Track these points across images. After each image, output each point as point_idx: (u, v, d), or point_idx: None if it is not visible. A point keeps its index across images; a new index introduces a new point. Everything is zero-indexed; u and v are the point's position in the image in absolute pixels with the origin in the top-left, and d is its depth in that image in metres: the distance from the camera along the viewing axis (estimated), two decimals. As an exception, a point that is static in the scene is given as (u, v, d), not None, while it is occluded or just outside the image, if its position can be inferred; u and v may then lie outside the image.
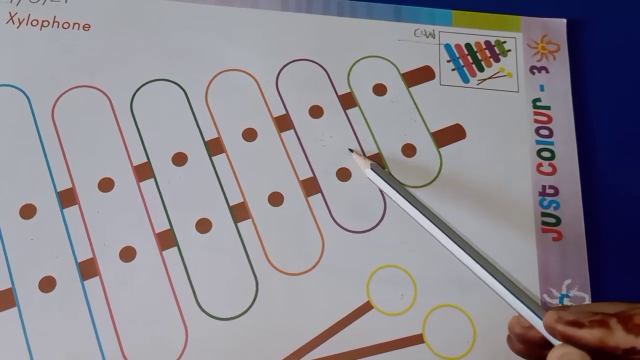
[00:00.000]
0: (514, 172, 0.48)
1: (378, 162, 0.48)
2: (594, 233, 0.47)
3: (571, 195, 0.47)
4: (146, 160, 0.47)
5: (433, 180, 0.48)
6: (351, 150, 0.47)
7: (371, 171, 0.45)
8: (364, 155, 0.48)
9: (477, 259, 0.40)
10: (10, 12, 0.51)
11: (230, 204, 0.46)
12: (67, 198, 0.45)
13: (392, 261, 0.45)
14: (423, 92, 0.51)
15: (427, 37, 0.52)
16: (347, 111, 0.50)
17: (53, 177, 0.46)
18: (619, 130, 0.51)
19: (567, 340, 0.33)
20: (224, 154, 0.48)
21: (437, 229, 0.41)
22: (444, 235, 0.41)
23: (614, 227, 0.47)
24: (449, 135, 0.49)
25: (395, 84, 0.51)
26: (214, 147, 0.48)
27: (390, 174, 0.47)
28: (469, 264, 0.40)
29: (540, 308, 0.37)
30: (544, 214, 0.47)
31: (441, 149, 0.49)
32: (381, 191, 0.47)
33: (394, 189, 0.44)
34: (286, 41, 0.52)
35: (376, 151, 0.48)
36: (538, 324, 0.37)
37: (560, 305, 0.39)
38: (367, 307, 0.44)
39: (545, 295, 0.44)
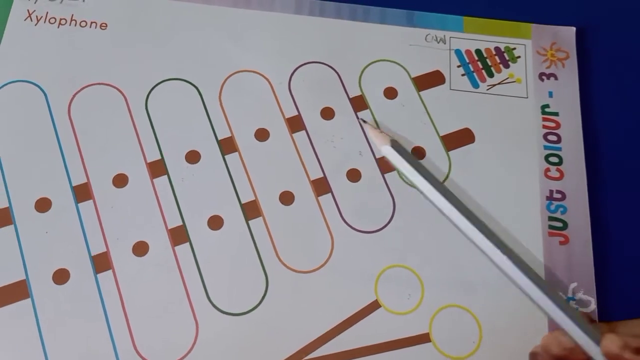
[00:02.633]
0: (522, 176, 0.49)
1: (388, 164, 0.48)
2: (601, 237, 0.47)
3: (578, 200, 0.48)
4: (160, 158, 0.48)
5: (442, 183, 0.48)
6: (364, 121, 0.47)
7: (390, 149, 0.44)
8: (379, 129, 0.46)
9: (511, 257, 0.37)
10: (28, 10, 0.52)
11: (242, 202, 0.47)
12: (82, 193, 0.46)
13: (400, 261, 0.46)
14: (433, 96, 0.51)
15: (438, 43, 0.53)
16: (358, 113, 0.50)
17: (68, 172, 0.47)
18: (626, 136, 0.51)
19: None
20: (237, 153, 0.48)
21: (464, 219, 0.40)
22: (473, 227, 0.40)
23: (620, 231, 0.48)
24: (458, 139, 0.50)
25: (406, 87, 0.52)
26: (227, 146, 0.48)
27: (411, 154, 0.46)
28: (499, 262, 0.38)
29: (594, 330, 0.32)
30: (551, 218, 0.47)
31: (450, 152, 0.49)
32: (391, 194, 0.47)
33: (415, 169, 0.42)
34: (299, 44, 0.53)
35: (386, 153, 0.49)
36: (594, 351, 0.32)
37: (606, 322, 0.35)
38: (374, 306, 0.44)
39: (551, 298, 0.45)
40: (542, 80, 0.52)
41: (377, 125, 0.46)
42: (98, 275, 0.44)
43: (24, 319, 0.42)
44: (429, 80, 0.52)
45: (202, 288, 0.44)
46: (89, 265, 0.44)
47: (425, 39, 0.53)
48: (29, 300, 0.43)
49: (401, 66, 0.52)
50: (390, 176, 0.48)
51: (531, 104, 0.51)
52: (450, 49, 0.53)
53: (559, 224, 0.47)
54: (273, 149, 0.49)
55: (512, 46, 0.54)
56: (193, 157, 0.48)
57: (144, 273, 0.44)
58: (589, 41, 0.55)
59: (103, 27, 0.52)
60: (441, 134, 0.50)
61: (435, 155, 0.49)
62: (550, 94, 0.52)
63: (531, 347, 0.43)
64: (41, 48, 0.51)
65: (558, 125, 0.51)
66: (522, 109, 0.51)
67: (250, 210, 0.46)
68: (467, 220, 0.40)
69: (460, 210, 0.40)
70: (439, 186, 0.41)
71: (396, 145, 0.44)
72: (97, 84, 0.50)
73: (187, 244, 0.45)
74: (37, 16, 0.52)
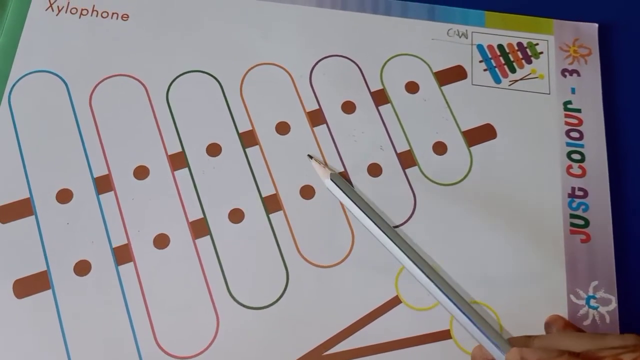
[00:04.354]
0: (544, 173, 0.48)
1: (409, 159, 0.48)
2: (622, 236, 0.47)
3: (600, 198, 0.48)
4: (181, 150, 0.48)
5: (463, 179, 0.48)
6: (310, 157, 0.47)
7: (330, 181, 0.45)
8: (325, 163, 0.48)
9: (440, 285, 0.40)
10: (49, 0, 0.52)
11: (263, 196, 0.47)
12: (103, 184, 0.46)
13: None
14: (455, 91, 0.51)
15: (460, 37, 0.53)
16: (380, 108, 0.50)
17: (90, 163, 0.47)
18: (649, 135, 0.51)
19: None
20: (257, 146, 0.48)
21: (398, 249, 0.42)
22: (406, 257, 0.42)
23: (643, 230, 0.48)
24: (480, 134, 0.50)
25: (428, 82, 0.51)
26: (248, 139, 0.48)
27: (351, 186, 0.47)
28: (431, 290, 0.41)
29: (506, 343, 0.38)
30: (572, 216, 0.47)
31: (472, 148, 0.49)
32: (412, 189, 0.47)
33: (352, 201, 0.44)
34: (321, 37, 0.52)
35: (407, 148, 0.49)
36: None
37: (526, 335, 0.39)
38: (395, 302, 0.44)
39: (572, 296, 0.45)
40: (565, 76, 0.52)
41: (324, 161, 0.48)
42: (119, 267, 0.44)
43: (44, 310, 0.42)
44: (451, 75, 0.52)
45: (223, 281, 0.44)
46: (110, 257, 0.44)
47: (447, 34, 0.53)
48: (49, 291, 0.43)
49: (423, 60, 0.52)
50: (411, 171, 0.48)
51: (553, 100, 0.51)
52: (472, 44, 0.53)
53: (581, 222, 0.47)
54: (294, 143, 0.49)
55: (534, 42, 0.53)
56: (214, 149, 0.48)
57: (165, 266, 0.44)
58: (611, 38, 0.54)
59: (124, 18, 0.52)
60: (463, 130, 0.50)
61: (457, 151, 0.49)
62: (573, 91, 0.51)
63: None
64: (62, 38, 0.51)
65: (580, 122, 0.50)
66: (544, 105, 0.51)
67: (271, 203, 0.46)
68: (402, 251, 0.42)
69: (395, 240, 0.42)
70: (375, 217, 0.43)
71: (336, 178, 0.46)
72: (119, 75, 0.50)
73: (208, 236, 0.45)
74: (58, 6, 0.52)
